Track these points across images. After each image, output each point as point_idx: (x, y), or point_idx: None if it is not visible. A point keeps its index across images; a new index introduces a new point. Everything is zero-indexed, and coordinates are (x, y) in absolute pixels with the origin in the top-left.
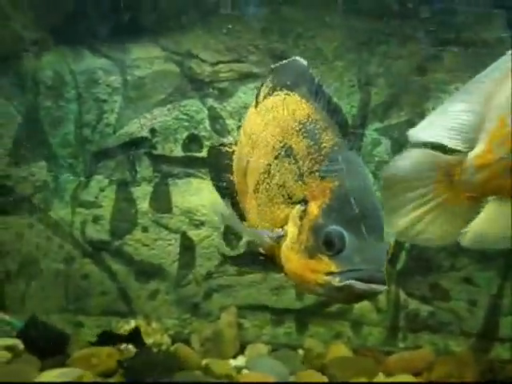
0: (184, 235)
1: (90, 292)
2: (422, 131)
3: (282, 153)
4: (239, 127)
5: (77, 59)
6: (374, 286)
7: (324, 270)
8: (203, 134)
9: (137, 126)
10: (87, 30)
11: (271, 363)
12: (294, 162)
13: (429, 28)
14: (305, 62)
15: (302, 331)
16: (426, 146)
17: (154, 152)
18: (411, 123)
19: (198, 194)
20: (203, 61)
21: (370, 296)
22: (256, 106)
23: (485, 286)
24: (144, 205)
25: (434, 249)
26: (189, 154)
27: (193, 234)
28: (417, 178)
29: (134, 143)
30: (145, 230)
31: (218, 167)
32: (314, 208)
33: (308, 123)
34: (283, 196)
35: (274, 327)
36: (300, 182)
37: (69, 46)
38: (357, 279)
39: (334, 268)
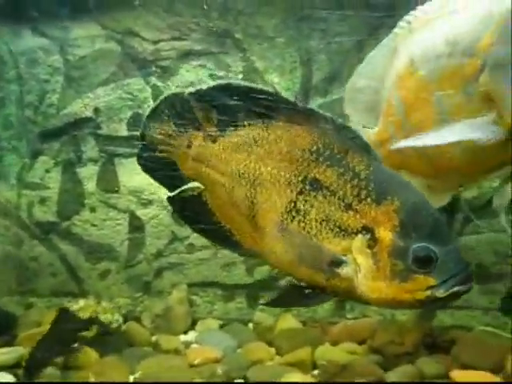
0: (133, 214)
1: (39, 273)
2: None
3: (307, 187)
4: None
5: (16, 39)
6: (471, 284)
7: (424, 287)
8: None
9: (80, 106)
10: (26, 9)
11: (220, 337)
12: (329, 193)
13: (367, 5)
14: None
15: (252, 306)
16: None
17: (99, 132)
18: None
19: (144, 174)
20: (144, 39)
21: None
22: (218, 142)
23: None
24: (91, 185)
25: None
26: (134, 133)
27: (141, 213)
28: None
29: (78, 123)
30: (93, 210)
31: (192, 215)
32: (384, 234)
33: (322, 150)
34: (332, 230)
35: (225, 303)
36: (351, 212)
37: (7, 26)
38: (457, 284)
39: (433, 282)
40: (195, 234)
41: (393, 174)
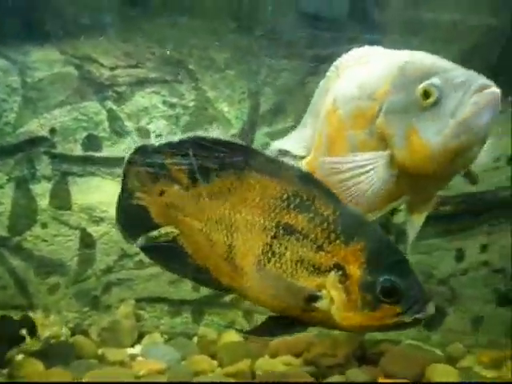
0: (84, 231)
1: None
2: (283, 141)
3: (280, 231)
4: (137, 129)
5: None
6: (432, 305)
7: (391, 315)
8: (102, 134)
9: (36, 126)
10: None
11: (165, 350)
12: (301, 237)
13: (307, 46)
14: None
15: (198, 320)
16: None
17: (54, 151)
18: (295, 128)
19: (97, 192)
20: (102, 65)
21: None
22: (190, 190)
23: None
24: (43, 202)
25: None
26: (88, 153)
27: (92, 230)
28: None
29: (34, 142)
30: (44, 226)
31: (167, 259)
32: (354, 270)
33: (292, 198)
34: (306, 269)
35: (172, 317)
36: (322, 253)
37: None
38: (420, 310)
39: (399, 309)
40: None
41: (357, 215)
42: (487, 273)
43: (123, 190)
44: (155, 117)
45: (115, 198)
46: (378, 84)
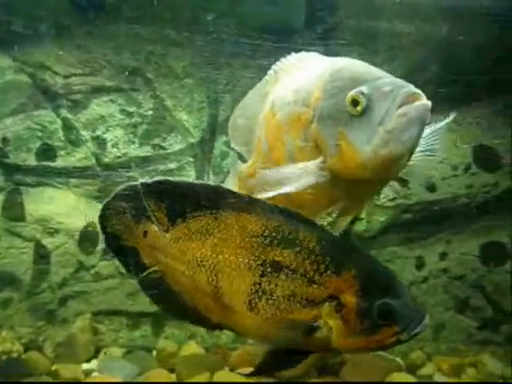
0: (38, 243)
1: None
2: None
3: (268, 269)
4: (93, 138)
5: None
6: (427, 318)
7: (390, 335)
8: (57, 143)
9: None
10: None
11: (122, 364)
12: (290, 272)
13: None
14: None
15: (157, 333)
16: None
17: (6, 161)
18: None
19: (52, 203)
20: (56, 73)
21: None
22: (170, 232)
23: None
24: None
25: None
26: (42, 163)
27: (47, 241)
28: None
29: None
30: None
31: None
32: (349, 299)
33: (274, 234)
34: (300, 303)
35: (131, 331)
36: (315, 286)
37: None
38: (416, 327)
39: (397, 329)
40: (102, 263)
41: (342, 242)
42: (447, 280)
43: (107, 233)
44: (112, 126)
45: (70, 209)
46: (312, 90)
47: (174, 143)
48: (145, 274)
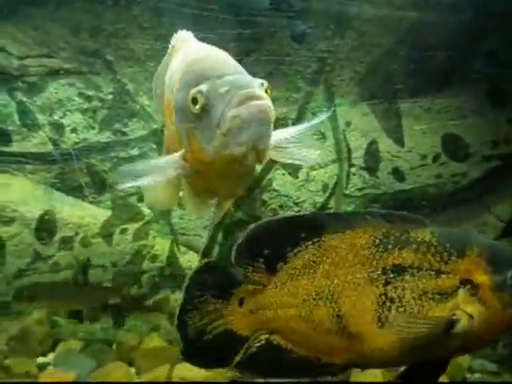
0: None
1: None
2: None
3: (391, 275)
4: (50, 122)
5: None
6: None
7: None
8: (12, 128)
9: None
10: None
11: (78, 358)
12: (416, 271)
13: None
14: None
15: (118, 326)
16: None
17: None
18: None
19: (6, 190)
20: (11, 54)
21: None
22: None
23: None
24: None
25: None
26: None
27: (2, 231)
28: None
29: None
30: None
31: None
32: (481, 278)
33: (385, 240)
34: (433, 299)
35: (91, 323)
36: (444, 276)
37: None
38: None
39: None
40: (60, 253)
41: (449, 229)
42: None
43: (191, 327)
44: (70, 110)
45: (26, 197)
46: (175, 78)
47: (136, 129)
48: (248, 345)
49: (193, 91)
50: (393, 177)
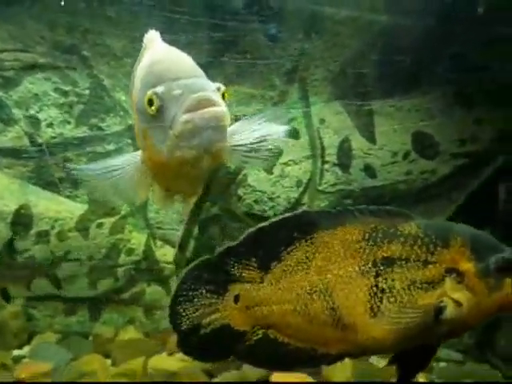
0: None
1: None
2: None
3: (381, 267)
4: (26, 117)
5: None
6: None
7: None
8: None
9: None
10: None
11: (54, 350)
12: (404, 262)
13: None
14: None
15: (94, 319)
16: None
17: None
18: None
19: None
20: None
21: None
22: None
23: None
24: None
25: None
26: None
27: None
28: None
29: None
30: None
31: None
32: (466, 266)
33: (374, 234)
34: (421, 288)
35: (67, 316)
36: (430, 266)
37: None
38: None
39: None
40: (36, 246)
41: (434, 221)
42: None
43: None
44: (46, 105)
45: (2, 191)
46: (137, 78)
47: (113, 124)
48: (245, 339)
49: (149, 92)
50: (365, 173)
